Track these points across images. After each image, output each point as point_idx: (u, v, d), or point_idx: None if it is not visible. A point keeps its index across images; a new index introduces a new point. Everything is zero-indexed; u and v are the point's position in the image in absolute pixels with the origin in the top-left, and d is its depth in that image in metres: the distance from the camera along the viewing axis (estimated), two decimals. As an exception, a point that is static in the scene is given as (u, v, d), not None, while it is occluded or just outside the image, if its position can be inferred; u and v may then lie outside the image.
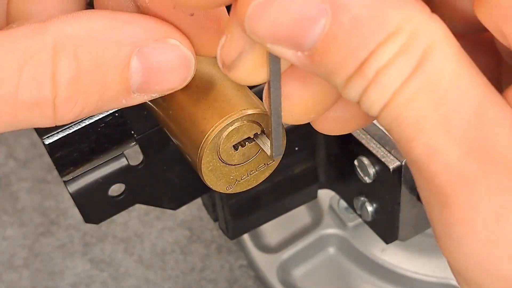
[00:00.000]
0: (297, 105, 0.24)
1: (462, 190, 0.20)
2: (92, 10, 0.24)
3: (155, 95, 0.25)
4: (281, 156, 0.28)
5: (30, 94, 0.22)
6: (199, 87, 0.28)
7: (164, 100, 0.30)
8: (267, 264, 0.71)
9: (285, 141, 0.30)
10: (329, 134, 0.26)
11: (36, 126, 0.24)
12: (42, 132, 0.35)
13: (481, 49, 0.25)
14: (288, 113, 0.25)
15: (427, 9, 0.20)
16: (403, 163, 0.40)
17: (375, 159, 0.41)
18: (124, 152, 0.39)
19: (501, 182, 0.20)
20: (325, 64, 0.20)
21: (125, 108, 0.36)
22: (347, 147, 0.43)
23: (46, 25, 0.23)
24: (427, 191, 0.21)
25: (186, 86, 0.29)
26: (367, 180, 0.42)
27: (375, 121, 0.42)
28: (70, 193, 0.39)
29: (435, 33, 0.20)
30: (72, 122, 0.35)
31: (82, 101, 0.23)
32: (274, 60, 0.22)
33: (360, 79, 0.20)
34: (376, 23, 0.19)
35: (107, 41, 0.23)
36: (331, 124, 0.26)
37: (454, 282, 0.67)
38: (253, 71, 0.23)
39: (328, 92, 0.24)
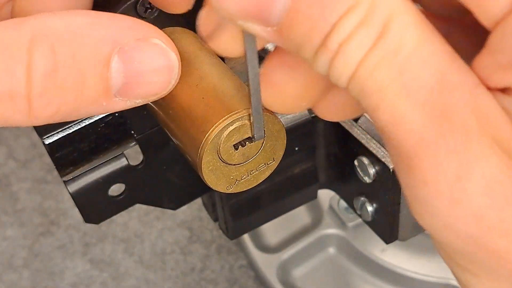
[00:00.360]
0: (287, 94, 0.25)
1: (424, 153, 0.21)
2: (76, 9, 0.24)
3: (138, 101, 0.24)
4: (263, 138, 0.28)
5: (3, 85, 0.22)
6: (199, 87, 0.28)
7: (164, 100, 0.30)
8: (267, 264, 0.71)
9: (285, 141, 0.30)
10: (333, 120, 0.26)
11: (10, 124, 0.23)
12: (42, 132, 0.35)
13: (467, 31, 0.25)
14: (279, 102, 0.25)
15: None
16: (403, 163, 0.40)
17: (375, 159, 0.41)
18: (124, 152, 0.39)
19: (460, 143, 0.20)
20: (294, 38, 0.21)
21: (125, 108, 0.36)
22: (347, 147, 0.44)
23: (27, 18, 0.22)
24: (395, 158, 0.22)
25: (187, 85, 0.29)
26: (367, 180, 0.42)
27: (375, 121, 0.42)
28: (70, 193, 0.39)
29: (394, 4, 0.20)
30: (72, 122, 0.35)
31: (59, 98, 0.23)
32: (249, 38, 0.23)
33: (326, 51, 0.21)
34: None
35: (87, 37, 0.23)
36: (332, 110, 0.26)
37: (454, 282, 0.67)
38: (231, 42, 0.23)
39: (317, 79, 0.24)
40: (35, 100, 0.22)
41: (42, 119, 0.23)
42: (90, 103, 0.23)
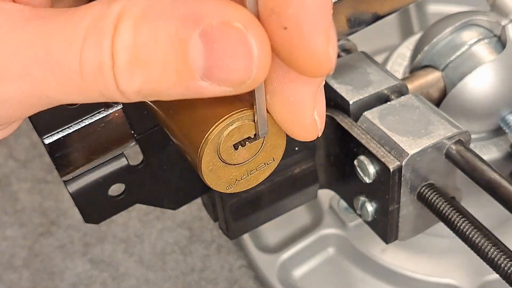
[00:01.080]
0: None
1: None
2: None
3: (229, 90, 0.23)
4: (267, 134, 0.28)
5: (94, 57, 0.23)
6: (199, 87, 0.28)
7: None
8: (267, 264, 0.71)
9: (285, 140, 0.30)
10: None
11: (104, 99, 0.24)
12: (42, 131, 0.35)
13: None
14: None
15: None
16: (403, 163, 0.40)
17: (375, 159, 0.41)
18: (124, 152, 0.39)
19: None
20: None
21: (125, 107, 0.36)
22: (347, 147, 0.44)
23: None
24: None
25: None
26: (367, 180, 0.42)
27: (375, 122, 0.42)
28: (70, 193, 0.39)
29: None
30: (72, 122, 0.35)
31: (141, 74, 0.23)
32: None
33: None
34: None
35: (168, 16, 0.22)
36: None
37: (454, 282, 0.67)
38: None
39: None
40: (118, 73, 0.23)
41: (130, 94, 0.24)
42: (176, 84, 0.23)
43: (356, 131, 0.42)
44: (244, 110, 0.27)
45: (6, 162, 0.90)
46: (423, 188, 0.42)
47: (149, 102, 0.32)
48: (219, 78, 0.23)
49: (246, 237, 0.74)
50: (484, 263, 0.40)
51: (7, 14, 0.24)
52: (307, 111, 0.26)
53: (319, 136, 0.28)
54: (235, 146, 0.28)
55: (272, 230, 0.75)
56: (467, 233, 0.40)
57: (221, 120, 0.27)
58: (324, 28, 0.23)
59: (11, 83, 0.24)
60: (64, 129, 0.35)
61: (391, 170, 0.40)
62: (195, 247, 0.80)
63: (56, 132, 0.35)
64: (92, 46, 0.23)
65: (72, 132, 0.36)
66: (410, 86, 0.50)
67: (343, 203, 0.71)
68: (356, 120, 0.43)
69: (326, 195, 0.68)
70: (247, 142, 0.28)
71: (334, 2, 0.41)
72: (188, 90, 0.23)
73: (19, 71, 0.24)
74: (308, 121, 0.27)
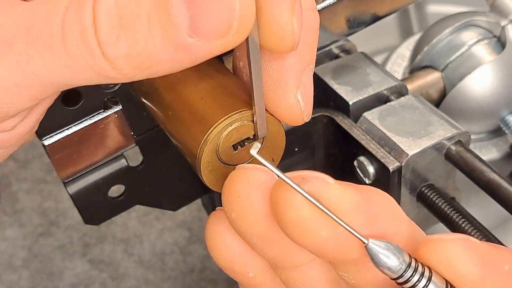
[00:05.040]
0: None
1: None
2: None
3: (219, 43, 0.23)
4: (265, 135, 0.28)
5: (75, 25, 0.22)
6: (198, 87, 0.28)
7: (164, 100, 0.30)
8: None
9: (284, 141, 0.30)
10: None
11: (96, 74, 0.23)
12: (41, 133, 0.35)
13: None
14: None
15: None
16: (402, 164, 0.40)
17: (374, 160, 0.41)
18: (124, 153, 0.39)
19: None
20: None
21: (125, 108, 0.36)
22: (346, 148, 0.43)
23: None
24: None
25: (186, 86, 0.29)
26: (367, 181, 0.42)
27: (375, 122, 0.42)
28: (70, 195, 0.39)
29: None
30: (71, 123, 0.35)
31: (126, 36, 0.22)
32: (251, 36, 0.23)
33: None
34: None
35: None
36: None
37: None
38: None
39: None
40: (102, 37, 0.22)
41: (120, 63, 0.23)
42: (163, 44, 0.22)
43: (355, 132, 0.42)
44: (243, 110, 0.27)
45: (6, 162, 0.90)
46: (423, 188, 0.42)
47: (148, 103, 0.32)
48: (205, 29, 0.22)
49: (245, 237, 0.74)
50: (484, 263, 0.40)
51: None
52: (289, 90, 0.27)
53: (305, 120, 0.28)
54: (235, 147, 0.28)
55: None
56: (467, 233, 0.40)
57: (220, 120, 0.27)
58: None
59: None
60: (64, 130, 0.35)
61: (391, 170, 0.40)
62: (194, 248, 0.80)
63: (56, 134, 0.35)
64: (74, 13, 0.22)
65: (71, 133, 0.35)
66: (410, 86, 0.50)
67: (342, 204, 0.70)
68: (355, 120, 0.43)
69: (325, 196, 0.68)
70: (246, 143, 0.28)
71: (333, 3, 0.41)
72: (178, 51, 0.23)
73: (2, 47, 0.23)
74: (291, 100, 0.27)
